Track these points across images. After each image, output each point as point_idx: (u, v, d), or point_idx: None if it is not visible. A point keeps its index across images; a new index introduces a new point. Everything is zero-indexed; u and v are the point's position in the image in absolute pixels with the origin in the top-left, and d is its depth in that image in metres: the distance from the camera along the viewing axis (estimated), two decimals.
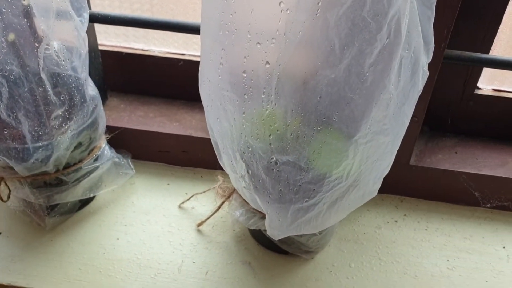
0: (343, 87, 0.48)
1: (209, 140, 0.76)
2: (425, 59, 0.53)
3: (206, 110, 0.58)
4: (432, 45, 0.52)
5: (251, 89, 0.50)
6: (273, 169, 0.53)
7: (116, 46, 0.84)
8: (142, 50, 0.83)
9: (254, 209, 0.65)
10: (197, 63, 0.81)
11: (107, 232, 0.72)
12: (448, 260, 0.71)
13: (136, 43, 0.84)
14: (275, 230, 0.59)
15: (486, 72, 0.75)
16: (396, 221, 0.76)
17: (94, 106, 0.68)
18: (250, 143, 0.53)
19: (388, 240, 0.74)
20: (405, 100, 0.52)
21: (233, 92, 0.51)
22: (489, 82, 0.76)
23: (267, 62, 0.48)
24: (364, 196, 0.60)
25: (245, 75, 0.49)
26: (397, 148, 0.56)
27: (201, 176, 0.82)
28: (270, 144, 0.52)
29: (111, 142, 0.78)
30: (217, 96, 0.53)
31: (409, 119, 0.54)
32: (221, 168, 0.80)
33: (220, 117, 0.55)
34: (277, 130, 0.51)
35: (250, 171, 0.55)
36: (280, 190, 0.55)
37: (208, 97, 0.56)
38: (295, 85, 0.49)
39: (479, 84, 0.76)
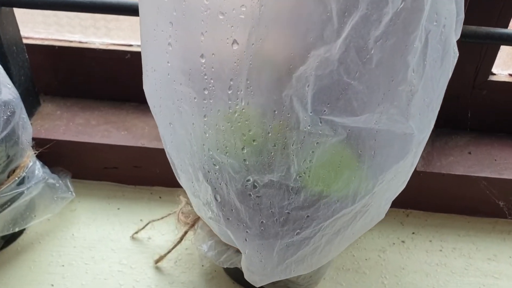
0: (336, 68, 0.34)
1: None
2: (454, 35, 0.38)
3: (154, 113, 0.42)
4: (462, 16, 0.38)
5: (212, 81, 0.35)
6: (250, 195, 0.38)
7: (47, 39, 0.69)
8: (80, 42, 0.68)
9: None
10: None
11: (38, 277, 0.57)
12: None
13: (71, 34, 0.68)
14: (255, 275, 0.44)
15: (502, 53, 0.62)
16: (403, 242, 0.62)
17: (9, 114, 0.52)
18: (217, 159, 0.38)
19: (396, 266, 0.59)
20: (433, 93, 0.38)
21: (188, 85, 0.36)
22: (506, 66, 0.63)
23: (235, 42, 0.34)
24: (372, 221, 0.46)
25: (203, 61, 0.34)
26: (418, 158, 0.42)
27: (160, 197, 0.66)
28: (245, 160, 0.37)
29: (44, 159, 0.62)
30: (167, 92, 0.38)
31: (435, 119, 0.40)
32: None
33: (173, 122, 0.40)
34: (253, 140, 0.36)
35: (218, 197, 0.40)
36: (262, 222, 0.40)
37: (154, 94, 0.40)
38: (276, 73, 0.34)
39: (493, 69, 0.63)
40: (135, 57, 0.66)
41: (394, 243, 0.62)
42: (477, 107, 0.65)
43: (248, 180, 0.37)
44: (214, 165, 0.38)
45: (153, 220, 0.60)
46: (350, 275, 0.58)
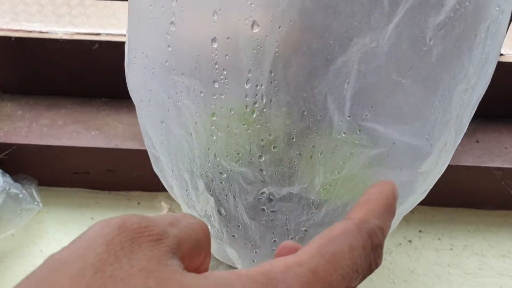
0: (385, 63, 0.27)
1: (143, 152, 0.54)
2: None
3: (140, 108, 0.35)
4: None
5: (225, 72, 0.28)
6: (263, 209, 0.32)
7: (1, 29, 0.60)
8: (40, 32, 0.60)
9: None
10: (119, 44, 0.59)
11: None
12: None
13: (29, 23, 0.60)
14: None
15: (510, 32, 0.57)
16: (410, 241, 0.57)
17: None
18: (225, 167, 0.31)
19: (404, 270, 0.54)
20: (480, 90, 0.32)
21: (193, 76, 0.29)
22: None
23: (255, 23, 0.27)
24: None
25: (215, 46, 0.27)
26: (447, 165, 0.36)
27: (138, 203, 0.59)
28: (261, 170, 0.30)
29: (5, 166, 0.55)
30: (162, 83, 0.31)
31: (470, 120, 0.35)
32: (165, 189, 0.58)
33: (166, 120, 0.33)
34: (274, 147, 0.29)
35: (222, 211, 0.33)
36: (274, 241, 0.33)
37: (142, 85, 0.33)
38: (309, 65, 0.27)
39: (502, 50, 0.57)
40: (104, 47, 0.59)
41: (400, 244, 0.56)
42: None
43: (263, 193, 0.31)
44: (221, 173, 0.32)
45: None
46: None
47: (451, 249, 0.56)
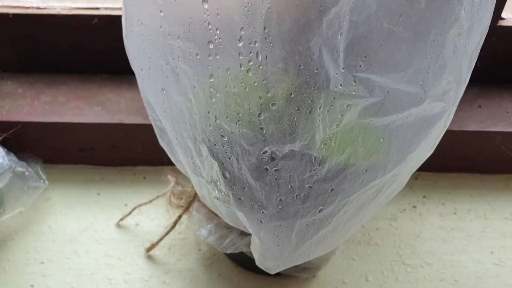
0: (375, 12, 0.27)
1: (147, 126, 0.54)
2: None
3: (141, 78, 0.36)
4: None
5: (218, 31, 0.28)
6: (267, 169, 0.32)
7: None
8: (38, 8, 0.59)
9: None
10: (118, 18, 0.58)
11: (15, 278, 0.50)
12: (492, 253, 0.53)
13: None
14: (271, 261, 0.38)
15: None
16: (414, 207, 0.57)
17: None
18: (226, 129, 0.31)
19: (410, 235, 0.54)
20: (476, 37, 0.32)
21: (188, 39, 0.29)
22: None
23: None
24: (394, 192, 0.40)
25: (206, 6, 0.27)
26: (451, 118, 0.36)
27: (144, 178, 0.59)
28: (261, 128, 0.31)
29: (8, 145, 0.55)
30: (160, 50, 0.31)
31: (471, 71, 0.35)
32: (171, 163, 0.58)
33: (166, 87, 0.33)
34: (272, 104, 0.30)
35: (227, 174, 0.34)
36: (280, 200, 0.33)
37: (141, 54, 0.33)
38: (303, 18, 0.27)
39: (503, 14, 0.57)
40: (104, 21, 0.58)
41: (405, 209, 0.57)
42: (485, 56, 0.59)
43: (265, 152, 0.31)
44: (222, 136, 0.32)
45: (140, 205, 0.53)
46: (362, 248, 0.53)
47: (455, 213, 0.56)
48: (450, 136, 0.57)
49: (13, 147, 0.56)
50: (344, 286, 0.50)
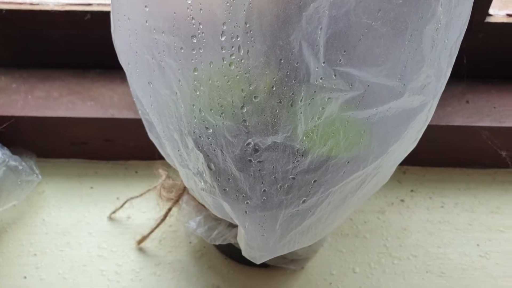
0: (354, 7, 0.28)
1: (139, 121, 0.55)
2: None
3: (129, 72, 0.36)
4: None
5: (201, 26, 0.29)
6: (250, 160, 0.33)
7: None
8: (31, 4, 0.60)
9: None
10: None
11: (9, 270, 0.51)
12: (478, 245, 0.54)
13: None
14: (256, 251, 0.39)
15: None
16: (402, 201, 0.58)
17: None
18: (210, 121, 0.32)
19: (397, 227, 0.55)
20: (455, 32, 0.33)
21: (172, 33, 0.30)
22: (503, 5, 0.59)
23: None
24: (377, 185, 0.41)
25: (189, 1, 0.28)
26: (433, 112, 0.37)
27: (136, 172, 0.60)
28: (244, 120, 0.31)
29: (2, 139, 0.56)
30: (145, 44, 0.32)
31: (452, 66, 0.35)
32: (162, 157, 0.59)
33: (153, 81, 0.34)
34: (255, 97, 0.30)
35: (212, 166, 0.35)
36: (264, 190, 0.34)
37: (128, 48, 0.34)
38: (283, 13, 0.28)
39: (490, 10, 0.58)
40: (97, 17, 0.59)
41: (392, 203, 0.58)
42: (472, 52, 0.60)
43: (248, 144, 0.32)
44: (207, 128, 0.33)
45: (132, 198, 0.54)
46: (349, 241, 0.54)
47: (442, 206, 0.57)
48: (437, 131, 0.58)
49: (6, 142, 0.56)
50: (331, 277, 0.51)
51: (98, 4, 0.60)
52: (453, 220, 0.56)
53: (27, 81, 0.62)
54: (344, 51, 0.30)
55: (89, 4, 0.60)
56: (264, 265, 0.49)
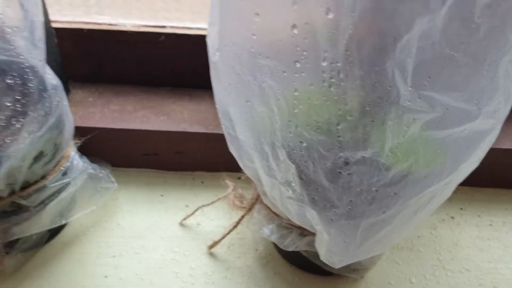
0: (439, 41, 0.32)
1: (208, 135, 0.59)
2: None
3: (225, 90, 0.41)
4: None
5: (305, 53, 0.33)
6: (340, 172, 0.37)
7: (74, 22, 0.65)
8: (109, 24, 0.65)
9: (288, 223, 0.49)
10: (183, 37, 0.64)
11: (90, 269, 0.54)
12: None
13: (99, 16, 0.65)
14: (336, 256, 0.43)
15: None
16: (452, 218, 0.61)
17: (58, 99, 0.49)
18: (305, 136, 0.36)
19: (449, 242, 0.58)
20: None
21: (276, 59, 0.34)
22: None
23: (329, 10, 0.32)
24: (441, 201, 0.45)
25: (295, 32, 0.32)
26: (497, 134, 0.41)
27: (202, 182, 0.64)
28: (339, 136, 0.35)
29: (81, 148, 0.60)
30: (249, 67, 0.36)
31: None
32: (226, 170, 0.63)
33: (251, 99, 0.38)
34: (350, 115, 0.35)
35: (303, 176, 0.39)
36: (350, 201, 0.38)
37: (231, 70, 0.38)
38: (379, 43, 0.32)
39: None
40: (170, 39, 0.64)
41: (443, 219, 0.61)
42: None
43: (340, 158, 0.36)
44: (301, 142, 0.37)
45: (202, 206, 0.58)
46: (405, 254, 0.57)
47: (491, 225, 0.60)
48: (487, 154, 0.61)
49: (84, 151, 0.61)
50: (390, 286, 0.54)
51: (172, 27, 0.64)
52: (502, 238, 0.59)
53: (103, 95, 0.66)
54: (429, 77, 0.34)
55: (163, 26, 0.65)
56: (327, 273, 0.53)
